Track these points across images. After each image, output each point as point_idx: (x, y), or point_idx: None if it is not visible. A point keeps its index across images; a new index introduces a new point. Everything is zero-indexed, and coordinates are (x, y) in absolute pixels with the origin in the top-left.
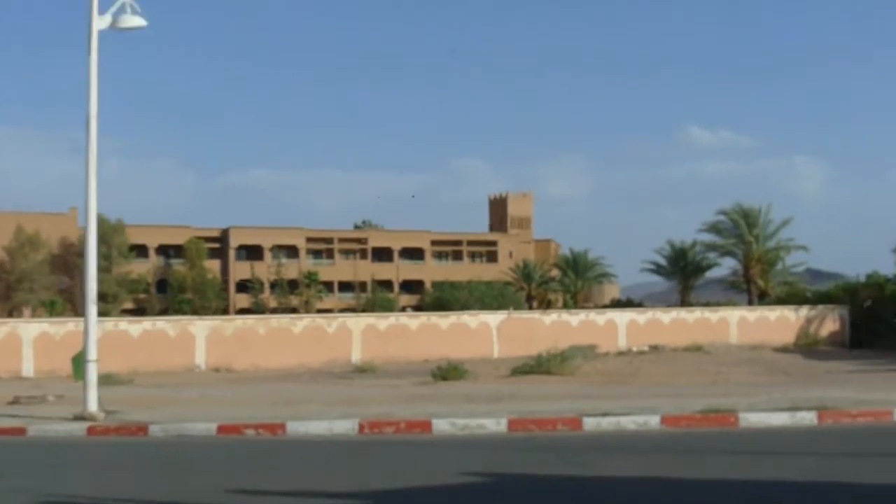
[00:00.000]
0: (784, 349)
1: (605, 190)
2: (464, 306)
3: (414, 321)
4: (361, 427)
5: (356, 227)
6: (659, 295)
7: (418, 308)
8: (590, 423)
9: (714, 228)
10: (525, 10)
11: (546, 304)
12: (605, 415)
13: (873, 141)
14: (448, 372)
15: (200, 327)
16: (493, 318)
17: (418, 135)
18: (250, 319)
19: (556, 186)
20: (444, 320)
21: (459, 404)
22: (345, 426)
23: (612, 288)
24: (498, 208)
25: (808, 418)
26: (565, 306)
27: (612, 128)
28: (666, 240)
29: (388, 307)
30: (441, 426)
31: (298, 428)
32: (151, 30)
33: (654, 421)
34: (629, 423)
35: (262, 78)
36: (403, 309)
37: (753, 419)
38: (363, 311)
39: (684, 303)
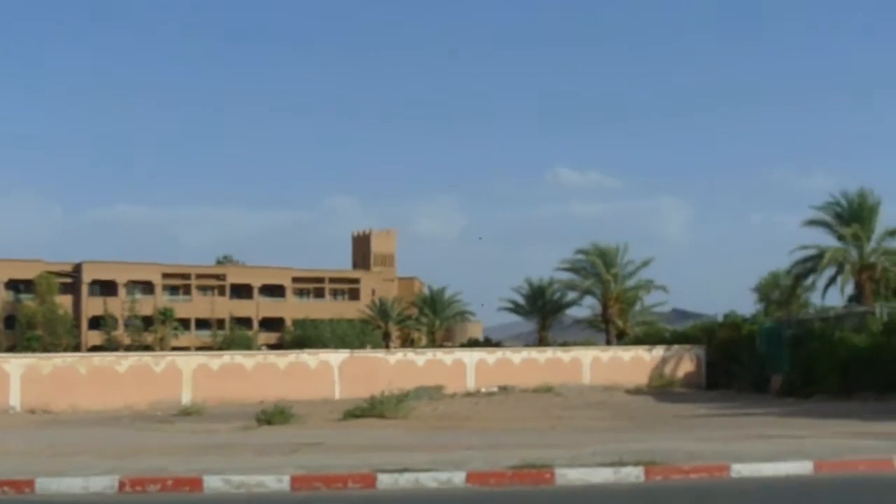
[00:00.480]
0: (637, 390)
1: (476, 229)
2: (324, 344)
3: (250, 360)
4: (122, 485)
5: (218, 262)
6: (527, 335)
7: (278, 346)
8: (385, 481)
9: (572, 267)
10: (408, 57)
11: (409, 343)
12: (403, 471)
13: (736, 186)
14: (273, 416)
15: (14, 365)
16: (335, 358)
17: (293, 172)
18: (70, 357)
19: (428, 225)
20: (281, 359)
21: (251, 457)
22: (103, 483)
23: (475, 327)
24: (361, 245)
25: (634, 474)
26: (429, 345)
27: (485, 169)
28: (524, 278)
29: (246, 345)
30: (214, 483)
31: (50, 485)
32: (60, 76)
33: (458, 478)
34: (430, 480)
35: (135, 112)
36: (261, 347)
37: (572, 476)
38: (220, 348)
39: (542, 342)
